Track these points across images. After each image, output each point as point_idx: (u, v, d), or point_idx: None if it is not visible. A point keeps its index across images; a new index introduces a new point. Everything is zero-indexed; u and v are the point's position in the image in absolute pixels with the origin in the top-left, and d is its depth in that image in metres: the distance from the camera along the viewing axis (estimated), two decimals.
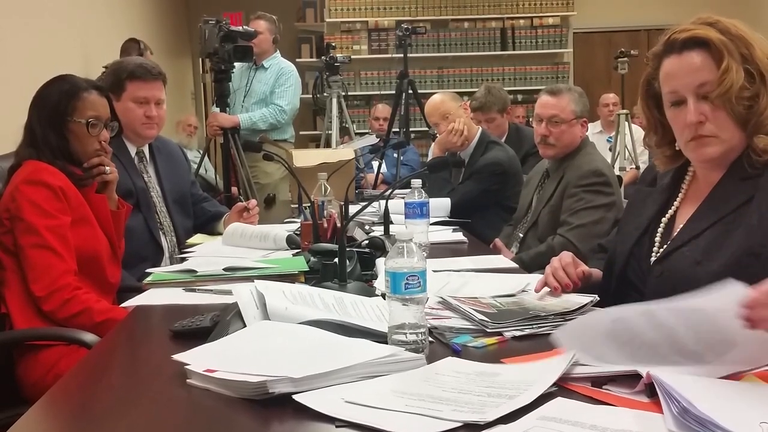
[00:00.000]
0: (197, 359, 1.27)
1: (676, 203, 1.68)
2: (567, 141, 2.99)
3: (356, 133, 5.76)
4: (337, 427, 1.04)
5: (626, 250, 1.71)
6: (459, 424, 1.02)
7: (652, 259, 1.64)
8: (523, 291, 1.75)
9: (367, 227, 2.82)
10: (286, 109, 5.01)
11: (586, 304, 1.56)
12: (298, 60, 7.41)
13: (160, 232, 2.75)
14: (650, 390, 1.10)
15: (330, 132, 5.56)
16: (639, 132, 6.56)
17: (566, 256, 1.77)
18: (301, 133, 7.21)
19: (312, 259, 1.98)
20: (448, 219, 3.18)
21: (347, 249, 1.79)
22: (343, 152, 3.70)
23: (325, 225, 2.26)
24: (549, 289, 1.69)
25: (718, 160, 1.57)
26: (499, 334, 1.46)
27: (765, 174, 1.51)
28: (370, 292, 1.71)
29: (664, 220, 1.68)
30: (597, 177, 2.89)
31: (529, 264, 2.75)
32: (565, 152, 3.01)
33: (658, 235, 1.67)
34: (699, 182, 1.66)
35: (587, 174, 2.89)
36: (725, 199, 1.55)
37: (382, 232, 2.49)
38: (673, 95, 1.57)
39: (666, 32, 1.60)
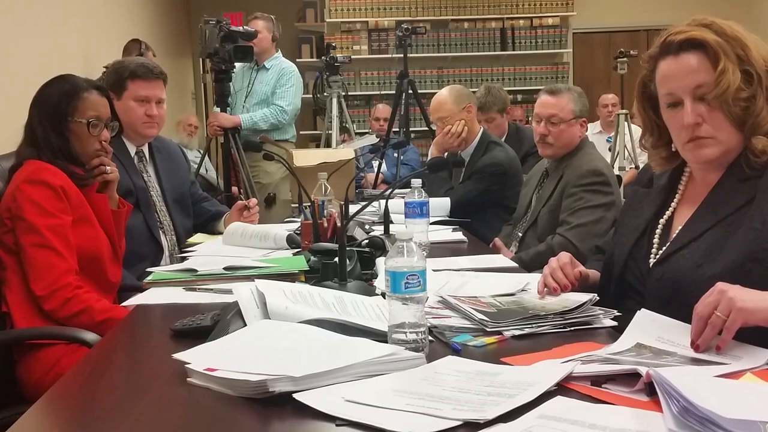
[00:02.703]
0: (198, 358, 1.27)
1: (673, 204, 1.68)
2: (566, 140, 3.00)
3: (356, 133, 5.77)
4: (337, 425, 1.04)
5: (624, 252, 1.71)
6: (459, 423, 1.02)
7: (651, 261, 1.64)
8: (522, 290, 1.76)
9: (367, 227, 2.82)
10: (287, 109, 5.01)
11: (585, 303, 1.56)
12: (298, 60, 7.41)
13: (160, 232, 2.75)
14: (650, 389, 1.10)
15: (330, 132, 5.56)
16: (638, 132, 6.52)
17: (564, 256, 1.77)
18: (301, 132, 7.21)
19: (312, 258, 1.98)
20: (448, 219, 3.19)
21: (347, 248, 1.79)
22: (343, 152, 3.70)
23: (326, 224, 2.26)
24: (547, 290, 1.70)
25: (716, 162, 1.57)
26: (499, 333, 1.46)
27: (765, 175, 1.51)
28: (370, 292, 1.71)
29: (661, 221, 1.68)
30: (596, 176, 2.89)
31: (528, 263, 2.76)
32: (564, 152, 3.02)
33: (656, 236, 1.67)
34: (696, 183, 1.66)
35: (586, 174, 2.89)
36: (724, 201, 1.55)
37: (382, 232, 2.49)
38: (670, 97, 1.57)
39: (662, 34, 1.60)
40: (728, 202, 1.54)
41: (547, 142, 3.02)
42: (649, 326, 1.38)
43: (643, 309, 1.43)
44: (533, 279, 1.80)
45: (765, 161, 1.51)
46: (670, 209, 1.68)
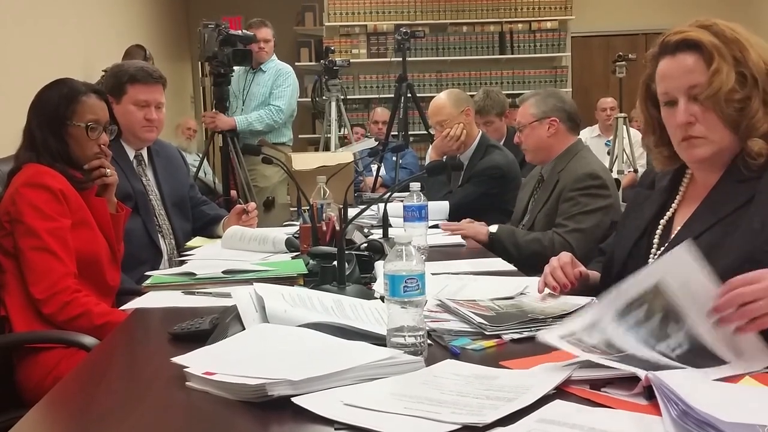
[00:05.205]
0: (196, 362, 1.27)
1: (674, 205, 1.69)
2: (533, 143, 3.04)
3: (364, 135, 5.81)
4: (336, 429, 1.04)
5: (624, 252, 1.72)
6: (458, 427, 1.02)
7: (650, 261, 1.65)
8: (521, 294, 1.76)
9: (366, 230, 2.82)
10: (283, 108, 5.02)
11: (584, 306, 1.56)
12: (297, 64, 7.42)
13: (159, 235, 2.75)
14: (648, 392, 1.10)
15: (329, 135, 5.58)
16: (637, 135, 6.57)
17: (564, 256, 1.79)
18: (300, 136, 7.22)
19: (311, 262, 1.98)
20: (447, 222, 3.19)
21: (346, 252, 1.79)
22: (342, 156, 3.70)
23: (324, 228, 2.26)
24: (549, 290, 1.72)
25: (709, 161, 1.59)
26: (498, 336, 1.46)
27: (764, 176, 1.52)
28: (368, 295, 1.71)
29: (662, 221, 1.69)
30: (593, 180, 2.88)
31: (523, 247, 2.80)
32: (544, 155, 3.03)
33: (656, 237, 1.68)
34: (697, 184, 1.66)
35: (583, 177, 2.88)
36: (723, 201, 1.56)
37: (381, 235, 2.50)
38: (666, 96, 1.60)
39: (662, 34, 1.62)
40: (727, 203, 1.55)
41: (524, 149, 3.11)
42: (683, 267, 1.28)
43: (688, 241, 1.32)
44: (532, 282, 1.81)
45: (762, 163, 1.52)
46: (671, 210, 1.69)
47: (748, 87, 1.52)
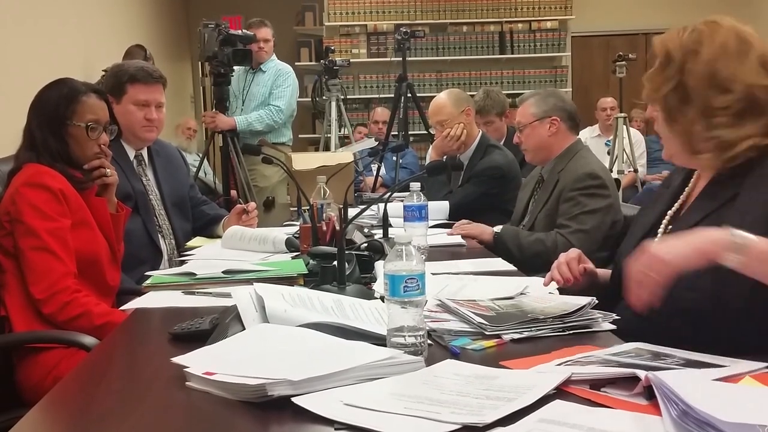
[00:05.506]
0: (196, 362, 1.27)
1: (682, 197, 1.71)
2: (533, 143, 3.03)
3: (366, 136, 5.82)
4: (336, 429, 1.04)
5: (630, 248, 1.73)
6: (458, 426, 1.02)
7: None
8: (521, 294, 1.76)
9: (366, 230, 2.82)
10: (283, 108, 5.02)
11: (584, 306, 1.56)
12: (297, 63, 7.42)
13: (159, 235, 2.75)
14: (648, 392, 1.10)
15: (329, 135, 5.58)
16: (637, 135, 6.58)
17: (572, 252, 1.82)
18: (300, 136, 7.22)
19: (311, 262, 1.98)
20: (447, 222, 3.19)
21: (346, 252, 1.79)
22: (342, 155, 3.70)
23: (324, 228, 2.26)
24: (555, 285, 1.77)
25: (675, 161, 1.66)
26: (498, 336, 1.46)
27: (750, 174, 1.53)
28: (368, 295, 1.71)
29: (669, 212, 1.71)
30: (592, 180, 2.88)
31: (526, 248, 2.79)
32: (544, 155, 3.03)
33: (659, 233, 1.69)
34: (701, 181, 1.68)
35: (582, 177, 2.88)
36: (712, 198, 1.58)
37: (381, 235, 2.50)
38: None
39: None
40: (714, 198, 1.57)
41: (524, 149, 3.10)
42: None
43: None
44: (532, 282, 1.81)
45: (738, 166, 1.54)
46: (676, 206, 1.70)
47: (683, 98, 1.55)
